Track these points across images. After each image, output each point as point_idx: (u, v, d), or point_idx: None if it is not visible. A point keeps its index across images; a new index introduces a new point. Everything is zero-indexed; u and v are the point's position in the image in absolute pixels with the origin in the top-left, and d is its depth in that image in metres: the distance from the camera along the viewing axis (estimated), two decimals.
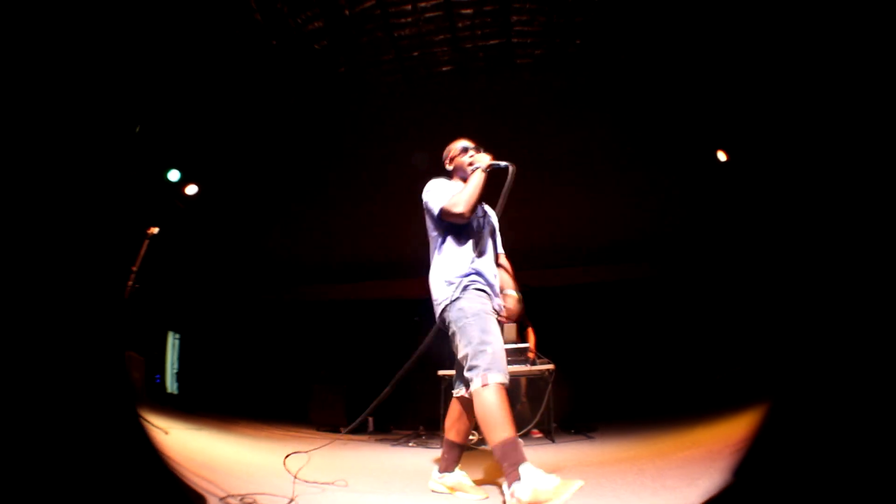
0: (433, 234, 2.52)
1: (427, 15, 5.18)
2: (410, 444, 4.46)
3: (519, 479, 1.94)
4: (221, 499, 1.97)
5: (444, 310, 2.34)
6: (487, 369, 2.10)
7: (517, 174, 2.33)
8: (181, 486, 1.95)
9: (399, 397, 5.51)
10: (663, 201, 5.66)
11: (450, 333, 2.32)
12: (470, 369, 2.15)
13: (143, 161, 5.45)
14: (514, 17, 5.19)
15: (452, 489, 2.45)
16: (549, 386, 4.40)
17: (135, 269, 4.40)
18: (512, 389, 4.86)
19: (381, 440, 4.74)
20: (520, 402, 4.84)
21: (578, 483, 1.91)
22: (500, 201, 2.39)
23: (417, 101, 5.30)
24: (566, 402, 5.11)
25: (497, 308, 2.44)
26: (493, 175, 2.42)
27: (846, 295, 1.61)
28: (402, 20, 5.22)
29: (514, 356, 4.46)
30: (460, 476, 2.48)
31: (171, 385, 6.95)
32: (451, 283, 2.35)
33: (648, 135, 5.26)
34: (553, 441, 4.37)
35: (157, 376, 6.83)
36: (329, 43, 5.52)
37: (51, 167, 1.58)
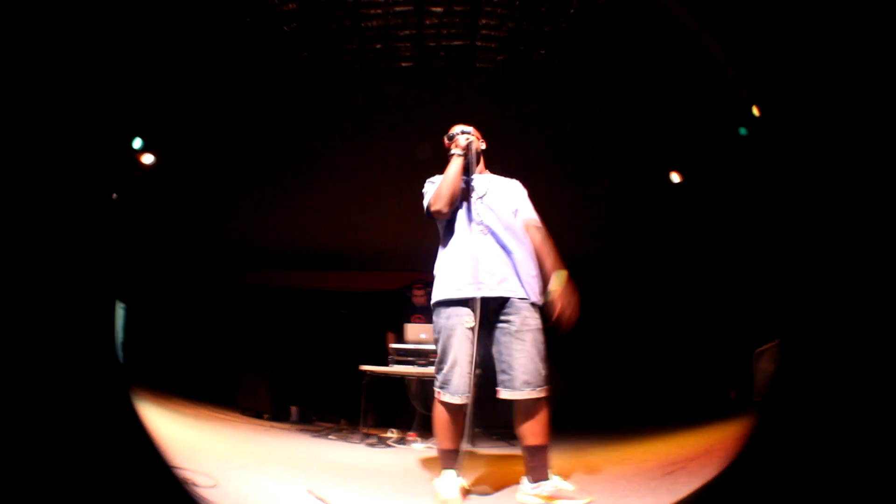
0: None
1: (396, 9, 5.13)
2: (330, 437, 4.47)
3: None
4: None
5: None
6: (440, 387, 2.22)
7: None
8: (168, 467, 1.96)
9: (324, 389, 5.55)
10: (610, 217, 5.68)
11: None
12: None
13: (108, 126, 5.37)
14: (483, 21, 5.16)
15: (551, 498, 2.16)
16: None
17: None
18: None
19: (302, 430, 4.75)
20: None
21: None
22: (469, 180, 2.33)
23: (374, 94, 5.28)
24: (491, 408, 5.12)
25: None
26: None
27: (789, 319, 1.62)
28: (371, 11, 5.18)
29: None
30: (557, 482, 2.22)
31: (118, 354, 6.89)
32: (435, 290, 2.33)
33: (602, 151, 5.27)
34: (474, 445, 4.38)
35: None
36: (298, 26, 5.47)
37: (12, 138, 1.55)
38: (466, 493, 2.25)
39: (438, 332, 2.26)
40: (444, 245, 2.35)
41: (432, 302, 2.32)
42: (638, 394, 5.77)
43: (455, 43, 5.07)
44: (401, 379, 4.64)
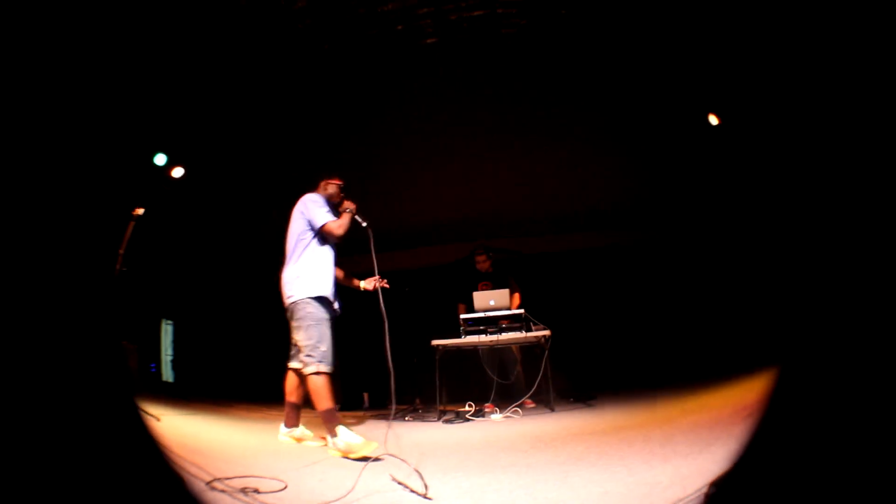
0: (305, 236, 3.17)
1: None
2: (407, 419, 4.43)
3: (336, 435, 2.82)
4: (207, 483, 1.91)
5: (294, 303, 3.06)
6: (320, 362, 2.92)
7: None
8: (174, 473, 1.90)
9: (395, 371, 5.49)
10: (656, 167, 5.63)
11: (293, 323, 3.07)
12: (307, 356, 2.95)
13: (128, 143, 5.38)
14: None
15: (299, 440, 3.18)
16: (546, 353, 4.36)
17: (121, 251, 4.35)
18: (508, 358, 4.83)
19: (377, 416, 4.71)
20: (514, 371, 4.80)
21: (375, 444, 2.70)
22: (374, 260, 3.27)
23: (403, 75, 5.26)
24: (564, 370, 5.07)
25: (337, 310, 3.20)
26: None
27: (846, 261, 1.57)
28: None
29: (509, 322, 4.42)
30: (303, 430, 3.25)
31: (166, 374, 6.90)
32: (308, 285, 3.05)
33: (638, 101, 5.22)
34: (553, 410, 4.34)
35: (153, 365, 6.78)
36: (313, 21, 5.45)
37: (35, 149, 1.53)
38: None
39: (317, 321, 3.01)
40: (320, 255, 3.19)
41: (313, 294, 3.05)
42: (703, 343, 5.70)
43: (476, 13, 5.03)
44: (474, 350, 4.61)
